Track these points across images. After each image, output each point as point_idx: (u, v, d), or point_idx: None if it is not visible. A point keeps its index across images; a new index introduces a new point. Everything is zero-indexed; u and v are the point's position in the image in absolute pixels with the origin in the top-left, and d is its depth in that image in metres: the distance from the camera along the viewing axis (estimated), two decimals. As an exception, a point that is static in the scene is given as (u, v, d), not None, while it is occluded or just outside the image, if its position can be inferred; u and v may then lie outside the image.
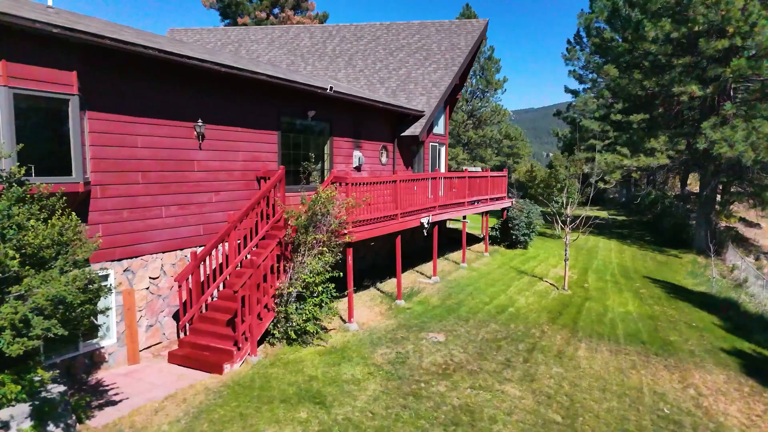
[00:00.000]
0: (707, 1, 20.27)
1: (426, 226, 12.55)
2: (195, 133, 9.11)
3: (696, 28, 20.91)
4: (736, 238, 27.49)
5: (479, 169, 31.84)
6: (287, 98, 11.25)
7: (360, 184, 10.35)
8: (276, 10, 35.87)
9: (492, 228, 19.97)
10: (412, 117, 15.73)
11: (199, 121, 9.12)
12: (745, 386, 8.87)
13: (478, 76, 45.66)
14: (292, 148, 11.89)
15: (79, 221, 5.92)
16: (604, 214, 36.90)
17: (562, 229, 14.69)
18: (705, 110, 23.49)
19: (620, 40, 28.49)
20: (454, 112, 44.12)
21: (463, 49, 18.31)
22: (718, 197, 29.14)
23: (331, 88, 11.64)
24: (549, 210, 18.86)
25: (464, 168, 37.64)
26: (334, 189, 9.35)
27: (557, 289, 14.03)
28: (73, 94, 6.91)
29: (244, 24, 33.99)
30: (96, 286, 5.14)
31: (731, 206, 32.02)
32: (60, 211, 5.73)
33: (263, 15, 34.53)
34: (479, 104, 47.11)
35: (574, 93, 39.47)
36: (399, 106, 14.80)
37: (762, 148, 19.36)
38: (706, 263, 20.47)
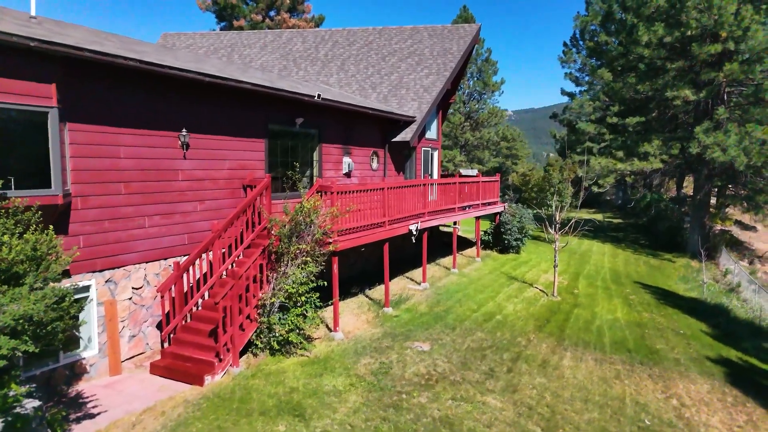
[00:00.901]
0: (700, 6, 20.29)
1: (414, 233, 12.55)
2: (179, 142, 9.10)
3: (689, 33, 20.92)
4: (730, 241, 27.48)
5: (475, 171, 31.78)
6: (275, 106, 11.25)
7: (346, 192, 10.34)
8: (272, 13, 35.88)
9: (484, 232, 19.98)
10: (403, 122, 15.73)
11: (184, 130, 9.11)
12: (728, 396, 8.87)
13: (475, 78, 45.66)
14: (280, 155, 11.90)
15: (54, 235, 5.93)
16: (599, 216, 36.92)
17: (551, 235, 14.68)
18: (699, 114, 23.50)
19: (616, 43, 28.50)
20: (452, 114, 44.15)
21: (455, 54, 18.31)
22: (714, 200, 29.15)
23: (318, 95, 11.63)
24: (542, 213, 18.85)
25: (459, 171, 37.61)
26: (318, 198, 9.36)
27: (546, 295, 14.02)
28: (52, 107, 6.90)
29: (240, 27, 33.99)
30: (67, 303, 5.13)
31: (727, 209, 32.02)
32: (35, 226, 5.73)
33: (259, 18, 34.52)
34: (476, 106, 47.12)
35: (571, 95, 39.45)
36: (389, 112, 14.80)
37: (754, 152, 19.36)
38: (699, 268, 20.44)
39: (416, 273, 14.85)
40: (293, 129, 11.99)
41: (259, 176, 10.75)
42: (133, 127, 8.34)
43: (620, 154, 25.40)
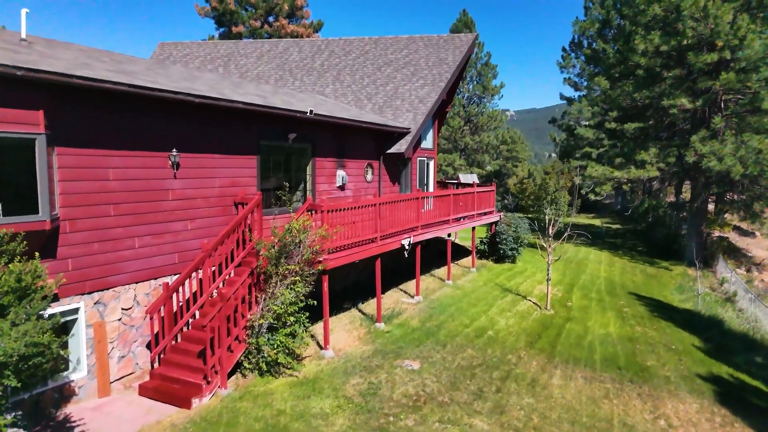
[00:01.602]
0: (696, 15, 20.27)
1: (407, 248, 12.57)
2: (169, 162, 9.14)
3: (685, 42, 20.91)
4: (728, 248, 27.41)
5: (474, 176, 31.73)
6: (267, 122, 11.28)
7: (336, 210, 10.36)
8: (271, 19, 35.94)
9: (480, 241, 19.98)
10: (398, 134, 15.77)
11: (174, 150, 9.15)
12: (716, 416, 8.86)
13: (474, 82, 45.71)
14: (273, 170, 11.93)
15: (39, 263, 5.96)
16: (598, 222, 36.89)
17: (546, 246, 14.67)
18: (696, 122, 23.47)
19: (615, 48, 28.49)
20: (451, 118, 44.19)
21: (450, 64, 18.35)
22: (712, 206, 29.10)
23: (311, 111, 11.66)
24: (535, 224, 18.86)
25: (458, 175, 37.57)
26: (308, 217, 9.38)
27: (540, 308, 14.03)
28: (40, 133, 6.94)
29: (239, 32, 34.07)
30: (47, 338, 5.17)
31: (725, 215, 31.94)
32: (19, 257, 5.77)
33: (257, 24, 34.59)
34: (476, 110, 47.15)
35: (569, 100, 39.47)
36: (384, 125, 14.83)
37: (750, 162, 19.34)
38: (696, 276, 20.42)
39: (410, 285, 14.87)
40: (286, 144, 12.03)
41: (251, 193, 10.80)
42: (123, 148, 8.39)
43: (618, 161, 25.40)
